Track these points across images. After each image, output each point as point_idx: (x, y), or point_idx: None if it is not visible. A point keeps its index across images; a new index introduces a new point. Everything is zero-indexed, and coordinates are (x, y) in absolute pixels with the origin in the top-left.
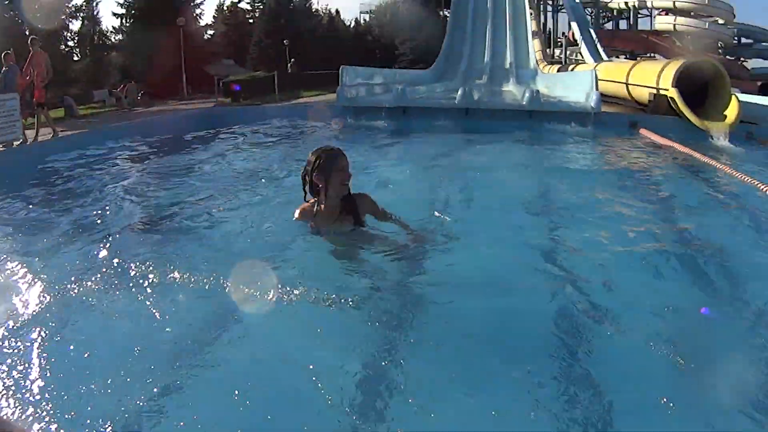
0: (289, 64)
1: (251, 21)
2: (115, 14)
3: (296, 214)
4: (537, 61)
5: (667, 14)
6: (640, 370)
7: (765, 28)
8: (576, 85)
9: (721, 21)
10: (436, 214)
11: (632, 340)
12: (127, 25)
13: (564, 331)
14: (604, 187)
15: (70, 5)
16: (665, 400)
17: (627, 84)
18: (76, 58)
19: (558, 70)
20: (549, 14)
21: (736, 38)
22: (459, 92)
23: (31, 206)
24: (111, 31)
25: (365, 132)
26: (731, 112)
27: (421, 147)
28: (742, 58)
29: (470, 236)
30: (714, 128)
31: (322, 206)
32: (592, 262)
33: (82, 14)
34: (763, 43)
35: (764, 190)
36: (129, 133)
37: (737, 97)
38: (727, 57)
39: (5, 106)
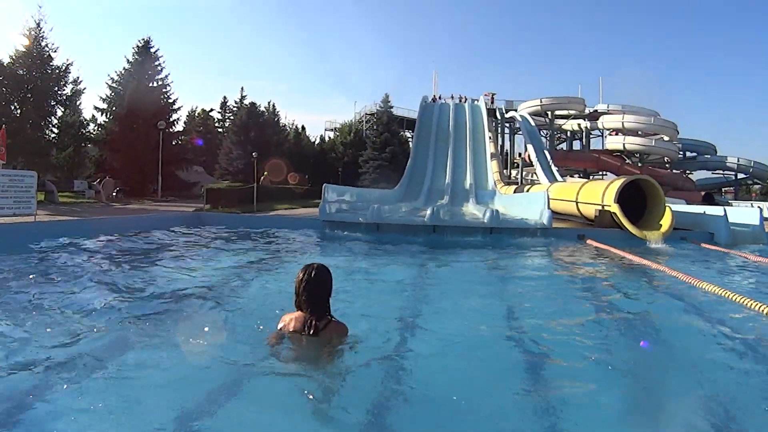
0: (262, 177)
1: (220, 130)
2: (96, 108)
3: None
4: (495, 182)
5: (616, 134)
6: None
7: (707, 142)
8: (531, 204)
9: (666, 138)
10: (409, 318)
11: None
12: (106, 120)
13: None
14: (555, 288)
15: (61, 93)
16: None
17: (577, 202)
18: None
19: (515, 191)
20: (506, 136)
21: (681, 153)
22: (428, 212)
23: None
24: (87, 122)
25: (343, 244)
26: (665, 221)
27: (396, 257)
28: (687, 171)
29: (437, 337)
30: (650, 236)
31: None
32: (549, 349)
33: (68, 103)
34: (707, 156)
35: (688, 281)
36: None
37: (671, 209)
38: (674, 171)
39: (23, 182)
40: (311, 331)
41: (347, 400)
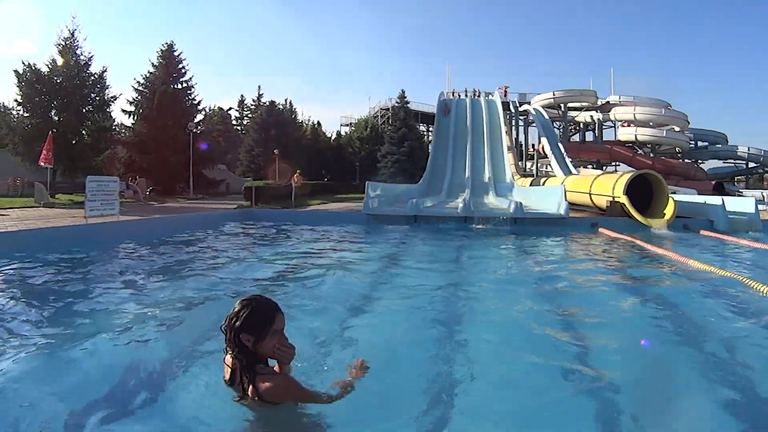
0: (295, 176)
1: (238, 128)
2: (124, 111)
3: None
4: (512, 175)
5: (628, 125)
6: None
7: (718, 131)
8: (549, 197)
9: (677, 129)
10: (447, 296)
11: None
12: (134, 122)
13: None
14: (573, 270)
15: (97, 99)
16: None
17: (590, 194)
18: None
19: (531, 183)
20: (521, 128)
21: (692, 142)
22: (460, 204)
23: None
24: (118, 125)
25: (389, 232)
26: (669, 210)
27: (436, 244)
28: (699, 161)
29: (475, 308)
30: (655, 224)
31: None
32: (570, 320)
33: (105, 107)
34: (718, 145)
35: (686, 262)
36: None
37: (673, 199)
38: (685, 161)
39: (108, 187)
40: (243, 387)
41: None
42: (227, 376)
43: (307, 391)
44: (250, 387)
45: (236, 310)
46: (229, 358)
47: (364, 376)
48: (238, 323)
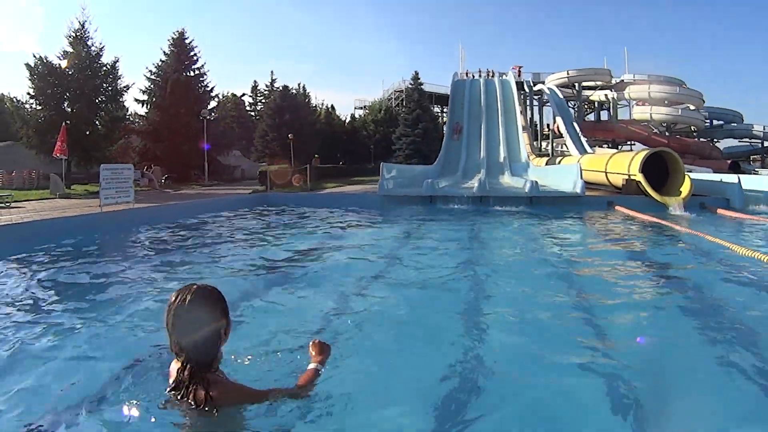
0: (313, 159)
1: (252, 114)
2: (137, 100)
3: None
4: (528, 155)
5: (643, 104)
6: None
7: (734, 110)
8: (564, 175)
9: (692, 107)
10: (465, 276)
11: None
12: (147, 111)
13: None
14: (589, 247)
15: (110, 89)
16: None
17: (606, 172)
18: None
19: (546, 163)
20: (535, 108)
21: (707, 121)
22: (476, 184)
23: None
24: (131, 114)
25: (404, 213)
26: (685, 188)
27: (451, 224)
28: (714, 140)
29: (491, 293)
30: (671, 202)
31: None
32: (587, 300)
33: (118, 97)
34: (733, 124)
35: (705, 236)
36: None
37: (689, 177)
38: (701, 139)
39: (123, 175)
40: (190, 395)
41: None
42: (171, 385)
43: (258, 390)
44: (202, 392)
45: (210, 304)
46: (177, 363)
47: (327, 358)
48: (227, 317)
